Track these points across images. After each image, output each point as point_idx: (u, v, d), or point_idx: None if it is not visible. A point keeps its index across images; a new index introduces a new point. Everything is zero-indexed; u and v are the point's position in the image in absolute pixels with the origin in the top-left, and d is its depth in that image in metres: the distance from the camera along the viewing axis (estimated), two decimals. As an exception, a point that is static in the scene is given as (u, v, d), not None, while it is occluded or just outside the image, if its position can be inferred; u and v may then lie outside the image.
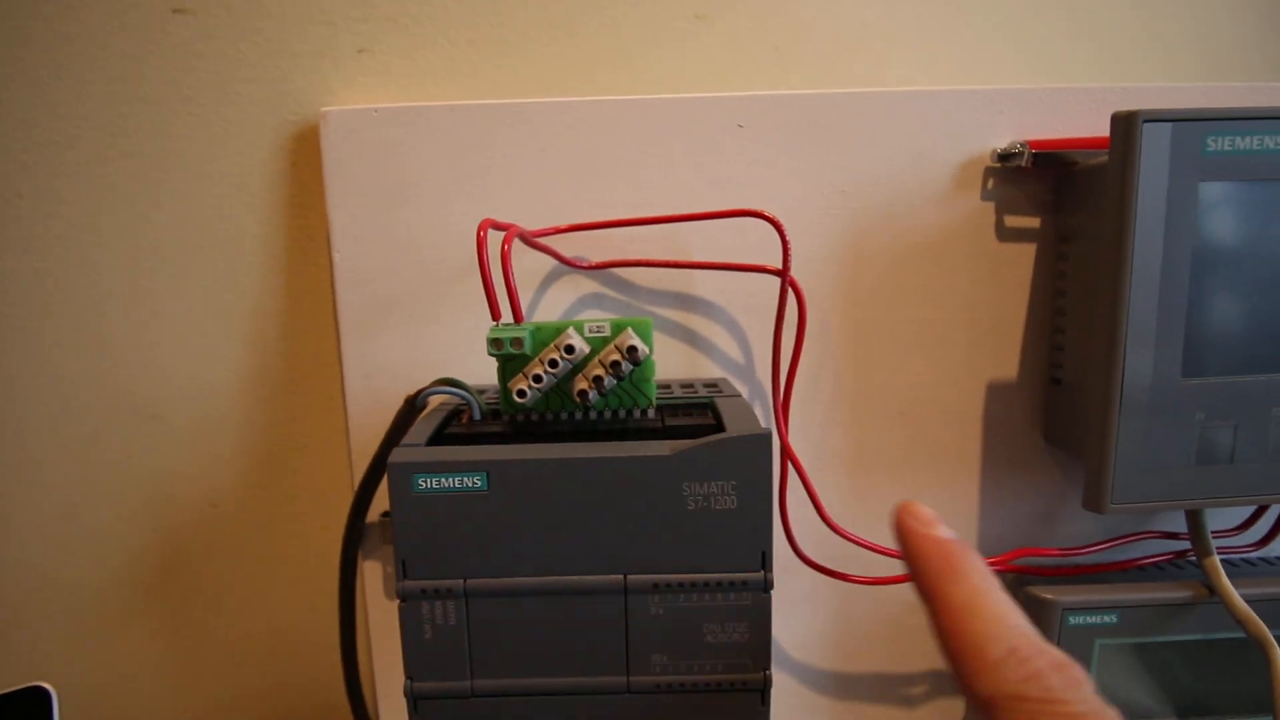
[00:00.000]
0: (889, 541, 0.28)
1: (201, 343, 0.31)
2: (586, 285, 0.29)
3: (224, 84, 0.29)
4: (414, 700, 0.20)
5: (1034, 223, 0.29)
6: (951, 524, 0.31)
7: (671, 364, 0.29)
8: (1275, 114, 0.23)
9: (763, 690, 0.20)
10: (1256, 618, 0.24)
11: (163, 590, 0.34)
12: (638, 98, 0.28)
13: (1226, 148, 0.23)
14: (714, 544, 0.20)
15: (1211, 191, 0.23)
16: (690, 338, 0.29)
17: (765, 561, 0.20)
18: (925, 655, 0.32)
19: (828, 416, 0.30)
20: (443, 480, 0.19)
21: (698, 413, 0.23)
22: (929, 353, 0.30)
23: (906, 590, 0.31)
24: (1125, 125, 0.23)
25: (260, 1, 0.28)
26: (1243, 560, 0.29)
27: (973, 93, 0.28)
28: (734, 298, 0.29)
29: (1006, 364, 0.30)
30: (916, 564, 0.16)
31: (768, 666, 0.20)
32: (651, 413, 0.23)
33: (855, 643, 0.32)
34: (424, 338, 0.29)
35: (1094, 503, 0.25)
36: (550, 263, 0.28)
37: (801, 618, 0.31)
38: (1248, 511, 0.29)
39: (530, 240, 0.25)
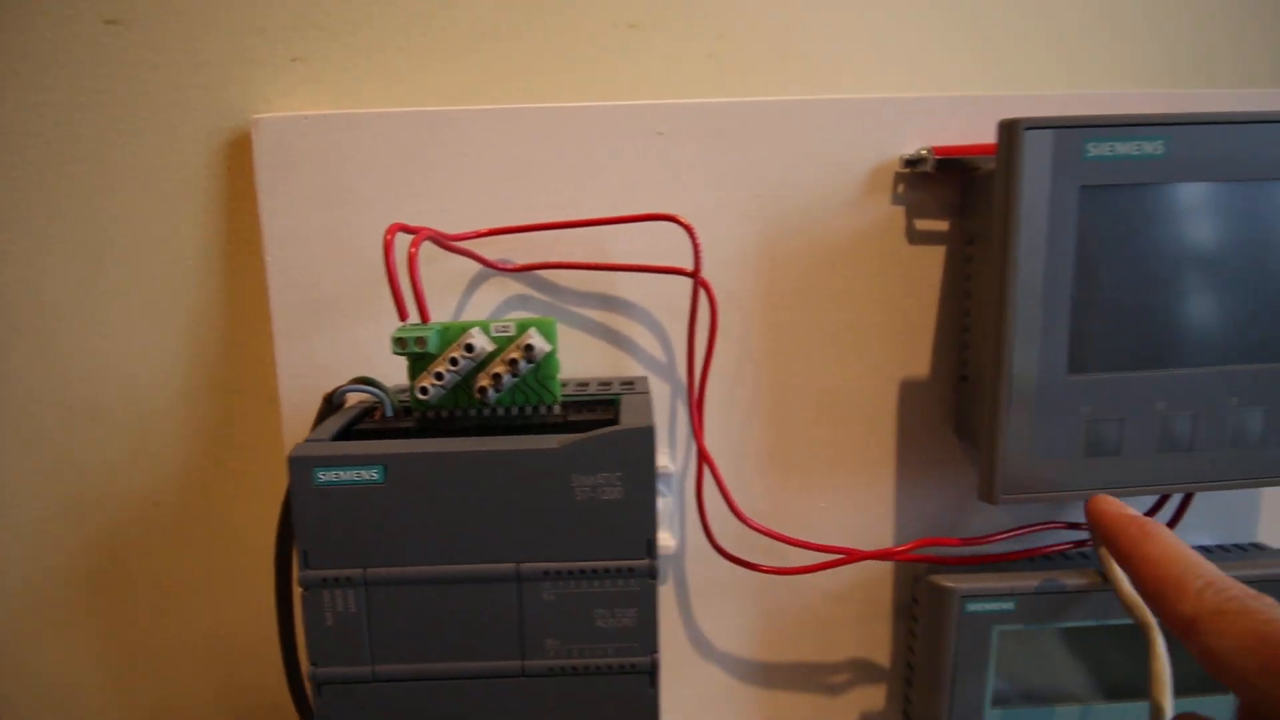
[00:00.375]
0: (807, 534, 0.29)
1: (141, 344, 0.32)
2: (514, 287, 0.30)
3: (158, 93, 0.29)
4: (318, 685, 0.21)
5: (943, 226, 0.30)
6: (867, 517, 0.32)
7: (596, 363, 0.30)
8: (1151, 120, 0.24)
9: (651, 672, 0.21)
10: (1141, 604, 0.25)
11: (104, 590, 0.35)
12: (561, 105, 0.29)
13: (1106, 153, 0.24)
14: (602, 533, 0.21)
15: (1092, 195, 0.24)
16: (614, 338, 0.30)
17: (651, 549, 0.21)
18: (847, 645, 0.33)
19: (749, 414, 0.31)
20: (341, 473, 0.20)
21: (601, 409, 0.24)
22: (845, 352, 0.31)
23: (827, 582, 0.32)
24: (1009, 132, 0.24)
25: (192, 12, 0.29)
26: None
27: (883, 101, 0.29)
28: (656, 299, 0.30)
29: (919, 362, 0.31)
30: (1114, 533, 0.21)
31: (655, 650, 0.21)
32: (557, 409, 0.24)
33: (778, 633, 0.33)
34: (355, 338, 0.30)
35: (986, 494, 0.26)
36: (477, 265, 0.29)
37: (725, 609, 0.32)
38: (1149, 502, 0.30)
39: (447, 244, 0.26)
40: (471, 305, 0.30)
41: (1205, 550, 0.32)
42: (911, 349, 0.31)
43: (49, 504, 0.33)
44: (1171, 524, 0.30)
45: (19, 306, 0.31)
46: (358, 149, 0.29)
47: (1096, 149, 0.24)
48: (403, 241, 0.23)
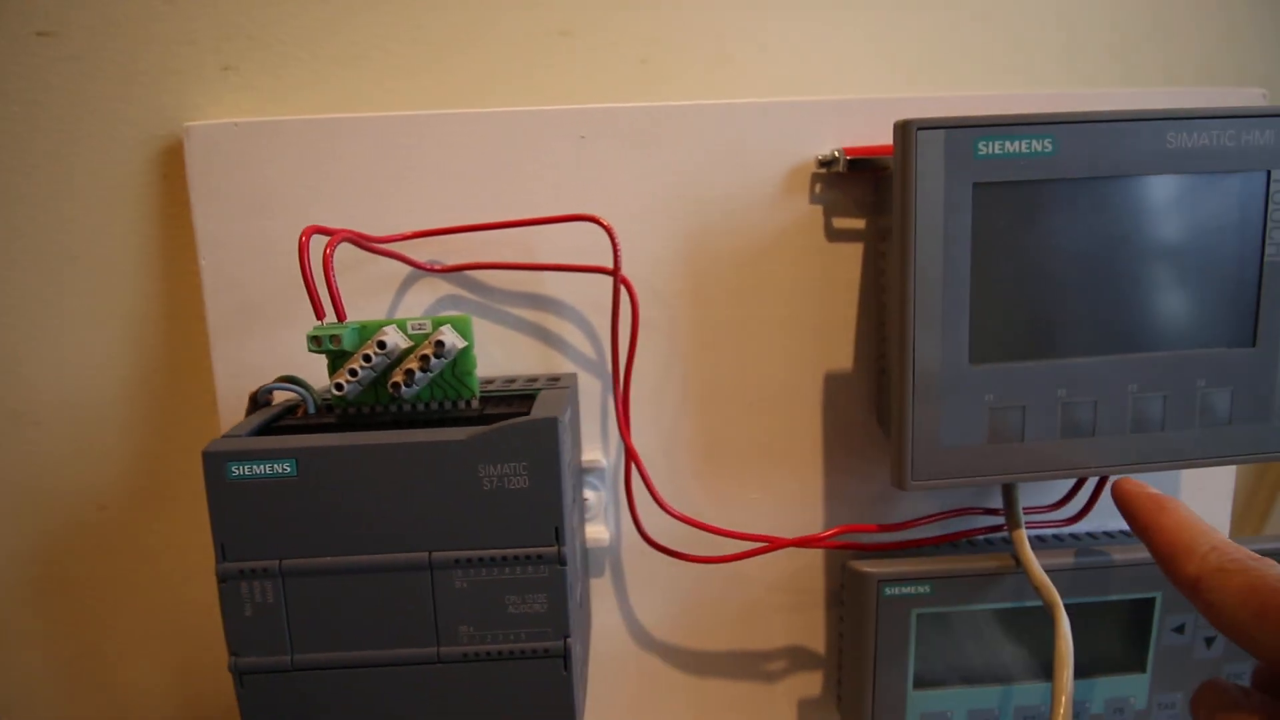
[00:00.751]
0: (740, 524, 0.30)
1: (80, 350, 0.32)
2: (445, 288, 0.31)
3: (91, 102, 0.30)
4: (239, 675, 0.22)
5: (859, 224, 0.31)
6: (796, 506, 0.33)
7: (527, 360, 0.31)
8: (1037, 120, 0.25)
9: (564, 657, 0.22)
10: (1050, 585, 0.27)
11: (52, 592, 0.35)
12: (486, 111, 0.30)
13: (996, 151, 0.25)
14: (510, 521, 0.21)
15: (985, 192, 0.25)
16: (544, 335, 0.31)
17: (559, 536, 0.22)
18: (779, 633, 0.34)
19: (679, 408, 0.32)
20: (255, 467, 0.21)
21: (518, 403, 0.25)
22: (770, 347, 0.32)
23: (761, 571, 0.33)
24: (903, 133, 0.25)
25: (124, 22, 0.30)
26: (1054, 536, 0.31)
27: (796, 104, 0.30)
28: (584, 298, 0.31)
29: (842, 356, 0.32)
30: (1134, 509, 0.23)
31: (568, 634, 0.22)
32: (475, 404, 0.24)
33: (715, 623, 0.33)
34: (287, 339, 0.30)
35: (898, 480, 0.27)
36: (408, 268, 0.30)
37: (661, 600, 0.33)
38: (1066, 487, 0.31)
39: (369, 245, 0.27)
40: (403, 306, 0.31)
41: (1125, 535, 0.33)
42: (834, 343, 0.32)
43: (-11, 509, 0.33)
44: (1087, 508, 0.31)
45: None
46: (286, 155, 0.29)
47: (987, 148, 0.25)
48: (322, 243, 0.24)
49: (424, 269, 0.30)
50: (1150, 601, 0.30)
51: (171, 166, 0.31)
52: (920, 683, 0.29)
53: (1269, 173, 0.26)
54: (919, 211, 0.25)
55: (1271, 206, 0.26)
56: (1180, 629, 0.30)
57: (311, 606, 0.22)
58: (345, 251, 0.29)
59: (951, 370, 0.26)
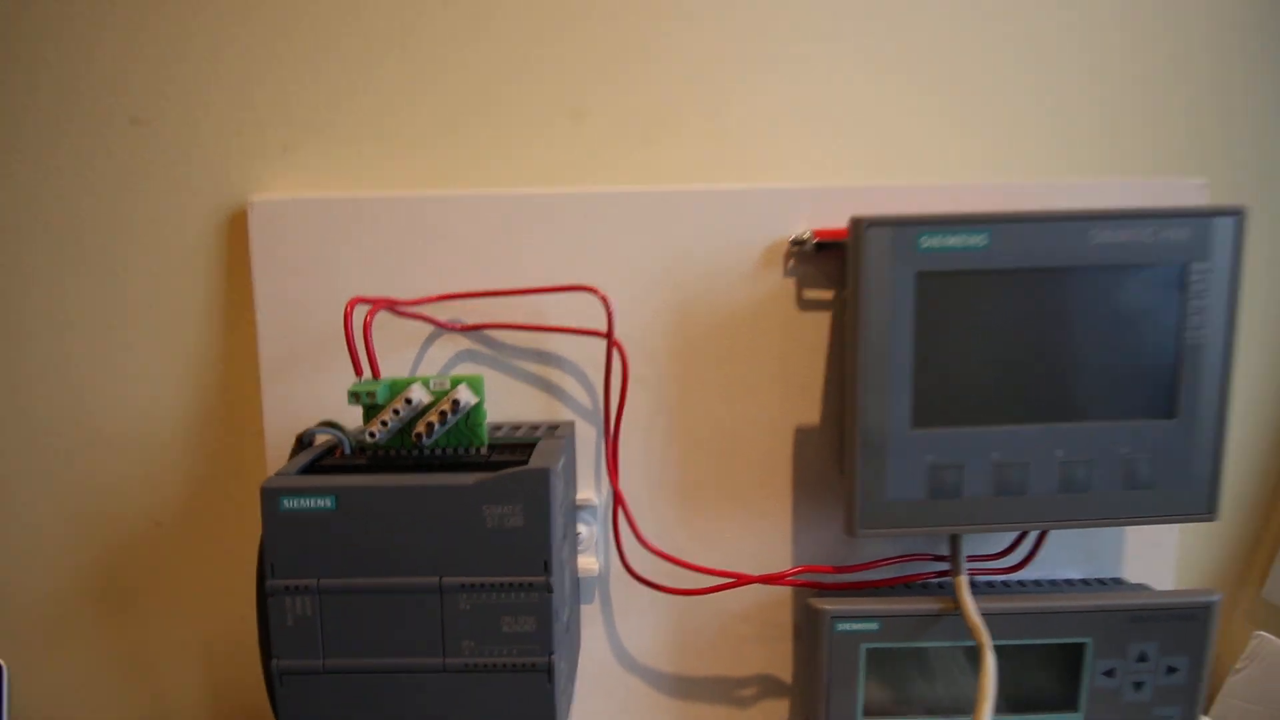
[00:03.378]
0: (716, 561, 0.34)
1: (149, 385, 0.37)
2: (463, 343, 0.35)
3: (172, 176, 0.36)
4: (279, 675, 0.26)
5: (827, 295, 0.35)
6: (766, 546, 0.37)
7: (532, 408, 0.36)
8: (974, 218, 0.29)
9: (548, 670, 0.26)
10: (981, 627, 0.30)
11: (108, 599, 0.40)
12: (504, 192, 0.35)
13: (937, 245, 0.29)
14: (507, 554, 0.26)
15: (927, 279, 0.29)
16: (549, 387, 0.36)
17: (548, 568, 0.26)
18: (751, 662, 0.37)
19: (663, 454, 0.36)
20: (301, 501, 0.25)
21: (521, 451, 0.29)
22: (746, 401, 0.36)
23: (734, 604, 0.37)
24: (855, 228, 0.29)
25: (201, 111, 0.35)
26: (1002, 582, 0.34)
27: (775, 190, 0.34)
28: (583, 355, 0.35)
29: (810, 412, 0.36)
30: None
31: (553, 652, 0.26)
32: (484, 451, 0.29)
33: (692, 649, 0.37)
34: (327, 384, 0.35)
35: (848, 528, 0.30)
36: (431, 325, 0.35)
37: (644, 627, 0.37)
38: (1010, 538, 0.35)
39: (401, 311, 0.32)
40: (427, 358, 0.35)
41: (1069, 584, 0.36)
42: (803, 400, 0.36)
43: (60, 520, 0.39)
44: (1029, 558, 0.34)
45: (43, 344, 0.37)
46: (333, 226, 0.34)
47: (929, 241, 0.29)
48: (363, 311, 0.28)
49: (446, 328, 0.34)
50: (1081, 646, 0.33)
51: (236, 232, 0.36)
52: (869, 712, 0.33)
53: (1186, 264, 0.30)
54: (868, 294, 0.29)
55: (1189, 295, 0.30)
56: (1110, 673, 0.33)
57: (342, 619, 0.26)
58: (380, 315, 0.33)
59: (896, 433, 0.30)
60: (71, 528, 0.39)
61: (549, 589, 0.26)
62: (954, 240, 0.29)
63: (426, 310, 0.33)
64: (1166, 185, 0.36)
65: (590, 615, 0.37)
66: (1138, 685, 0.33)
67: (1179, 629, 0.33)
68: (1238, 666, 0.62)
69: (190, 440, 0.38)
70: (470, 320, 0.35)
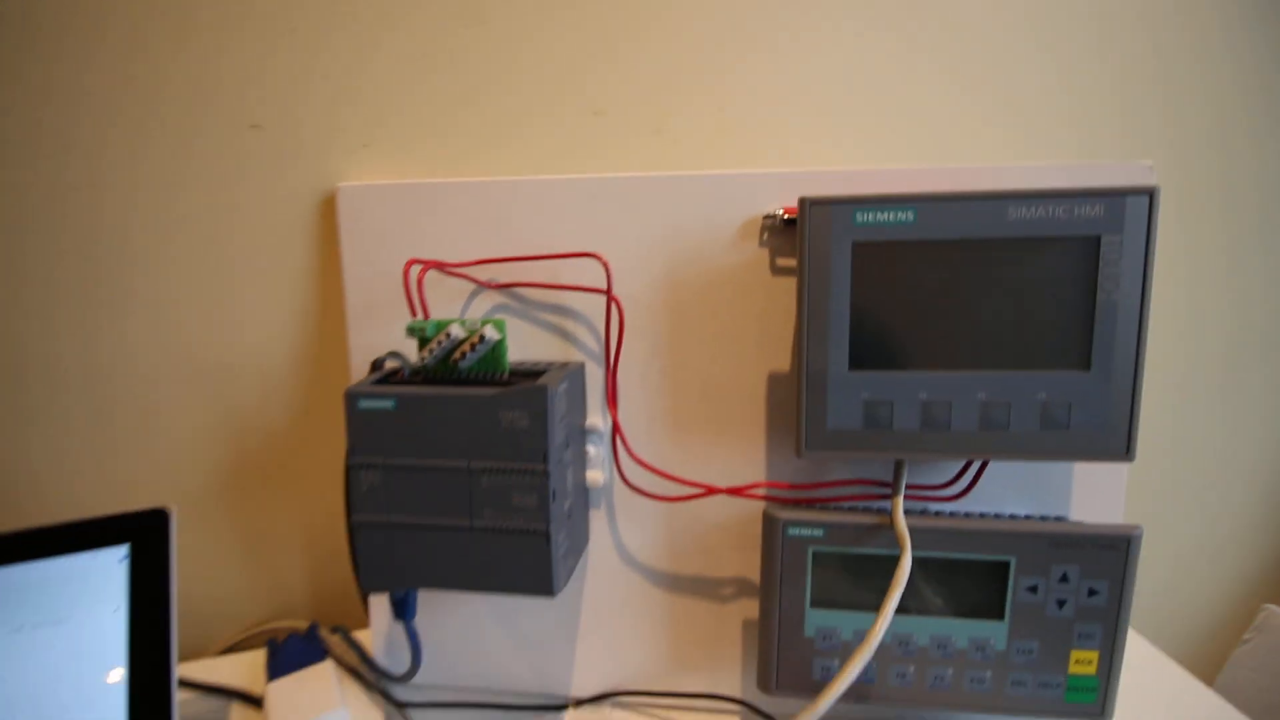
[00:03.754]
0: (687, 473, 0.42)
1: (266, 327, 0.49)
2: (497, 299, 0.44)
3: (280, 169, 0.47)
4: (357, 528, 0.36)
5: (794, 262, 0.41)
6: (741, 469, 0.44)
7: (550, 351, 0.44)
8: (901, 197, 0.35)
9: (546, 537, 0.35)
10: (905, 534, 0.36)
11: (235, 496, 0.52)
12: (531, 178, 0.43)
13: (870, 220, 0.35)
14: (517, 447, 0.34)
15: (862, 249, 0.35)
16: (564, 335, 0.44)
17: (545, 458, 0.34)
18: (729, 566, 0.45)
19: (656, 393, 0.44)
20: (372, 402, 0.35)
21: (533, 377, 0.38)
22: (727, 351, 0.43)
23: (714, 515, 0.44)
24: (802, 206, 0.35)
25: (303, 117, 0.46)
26: (950, 512, 0.40)
27: (753, 175, 0.41)
28: (593, 310, 0.43)
29: (782, 360, 0.43)
30: None
31: (549, 522, 0.35)
32: (505, 375, 0.38)
33: (680, 553, 0.45)
34: (394, 328, 0.45)
35: (796, 449, 0.37)
36: (473, 284, 0.44)
37: (642, 531, 0.45)
38: (956, 468, 0.40)
39: (448, 270, 0.41)
40: (470, 309, 0.45)
41: (1013, 518, 0.41)
42: (776, 350, 0.42)
43: (203, 428, 0.51)
44: (969, 487, 0.40)
45: (188, 297, 0.49)
46: (402, 206, 0.44)
47: (863, 217, 0.35)
48: (416, 270, 0.38)
49: (484, 285, 0.43)
50: (1006, 564, 0.38)
51: (328, 212, 0.47)
52: (816, 603, 0.40)
53: (1099, 237, 0.34)
54: (811, 260, 0.36)
55: (1103, 263, 0.35)
56: (1034, 589, 0.38)
57: (399, 488, 0.36)
58: (433, 273, 0.43)
59: (835, 374, 0.36)
60: (206, 437, 0.51)
61: (546, 475, 0.34)
62: (884, 216, 0.35)
63: (469, 271, 0.42)
64: (1113, 169, 0.40)
65: (598, 520, 0.45)
66: (1060, 603, 0.38)
67: (1100, 556, 0.38)
68: (1245, 638, 0.65)
69: (297, 369, 0.49)
70: (502, 280, 0.44)
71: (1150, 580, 0.57)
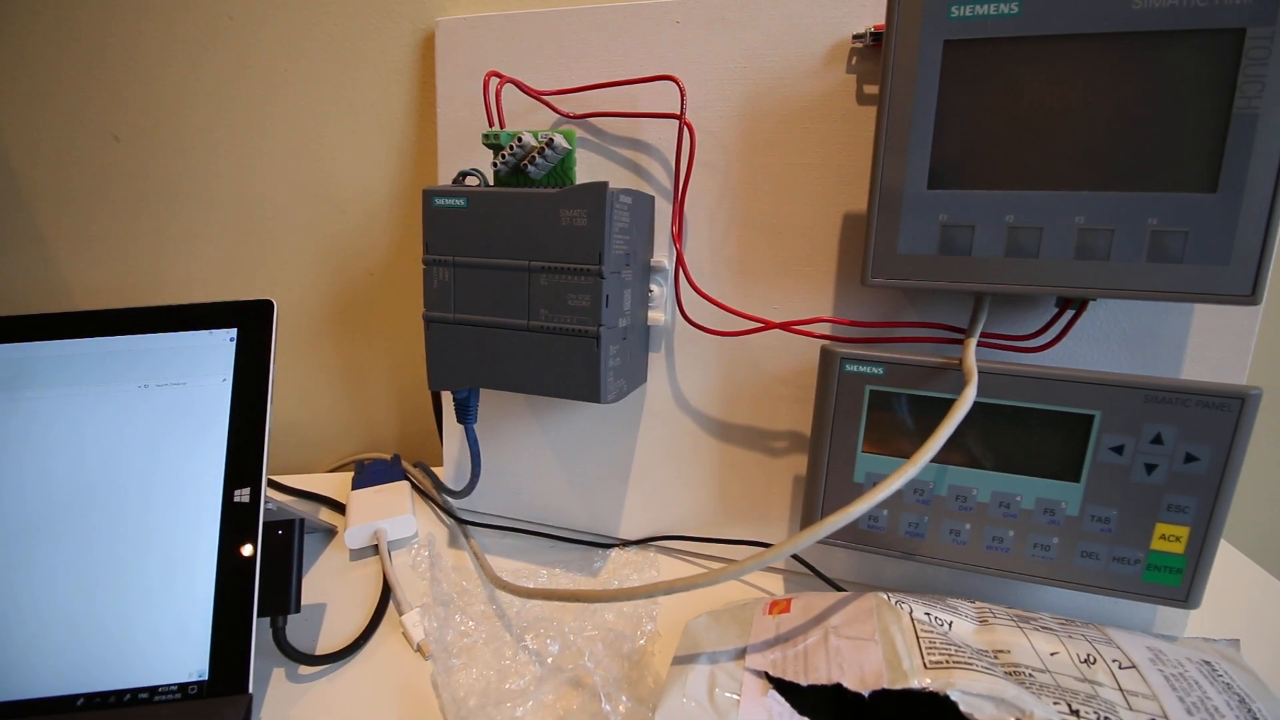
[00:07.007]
0: (749, 308, 0.41)
1: (369, 162, 0.53)
2: (577, 132, 0.45)
3: (388, 6, 0.49)
4: (428, 322, 0.39)
5: (883, 88, 0.38)
6: (807, 315, 0.43)
7: (619, 179, 0.44)
8: (1009, -10, 0.31)
9: (597, 338, 0.36)
10: (974, 369, 0.34)
11: (336, 328, 0.58)
12: (613, 5, 0.43)
13: (967, 14, 0.32)
14: (573, 246, 0.35)
15: (954, 48, 0.32)
16: (637, 169, 0.44)
17: (601, 259, 0.35)
18: (784, 419, 0.44)
19: (725, 231, 0.43)
20: (445, 200, 0.37)
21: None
22: (802, 188, 0.41)
23: (774, 364, 0.43)
24: (890, 1, 0.33)
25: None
26: (1023, 363, 0.37)
27: (842, -9, 0.38)
28: (667, 143, 0.43)
29: (859, 199, 0.40)
30: None
31: (601, 324, 0.36)
32: (568, 184, 0.38)
33: (735, 402, 0.45)
34: (476, 150, 0.47)
35: (861, 277, 0.35)
36: (554, 114, 0.45)
37: (698, 375, 0.45)
38: (1043, 318, 0.37)
39: (526, 89, 0.42)
40: (549, 142, 0.46)
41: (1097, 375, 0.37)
42: (854, 188, 0.40)
43: (306, 264, 0.56)
44: (1059, 337, 0.36)
45: (300, 133, 0.54)
46: (492, 39, 0.45)
47: (959, 10, 0.32)
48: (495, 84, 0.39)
49: (564, 115, 0.44)
50: (1090, 418, 0.35)
51: (427, 48, 0.49)
52: (869, 447, 0.38)
53: (1244, 30, 0.29)
54: (895, 61, 0.33)
55: (1245, 62, 0.29)
56: (1119, 449, 0.35)
57: (466, 286, 0.38)
58: (520, 103, 0.44)
59: (911, 192, 0.34)
60: (313, 270, 0.57)
61: (601, 275, 0.35)
62: (985, 8, 0.31)
63: (551, 100, 0.43)
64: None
65: (656, 364, 0.46)
66: (1150, 467, 0.34)
67: (1205, 417, 0.33)
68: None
69: (394, 202, 0.53)
70: (582, 110, 0.44)
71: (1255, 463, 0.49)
